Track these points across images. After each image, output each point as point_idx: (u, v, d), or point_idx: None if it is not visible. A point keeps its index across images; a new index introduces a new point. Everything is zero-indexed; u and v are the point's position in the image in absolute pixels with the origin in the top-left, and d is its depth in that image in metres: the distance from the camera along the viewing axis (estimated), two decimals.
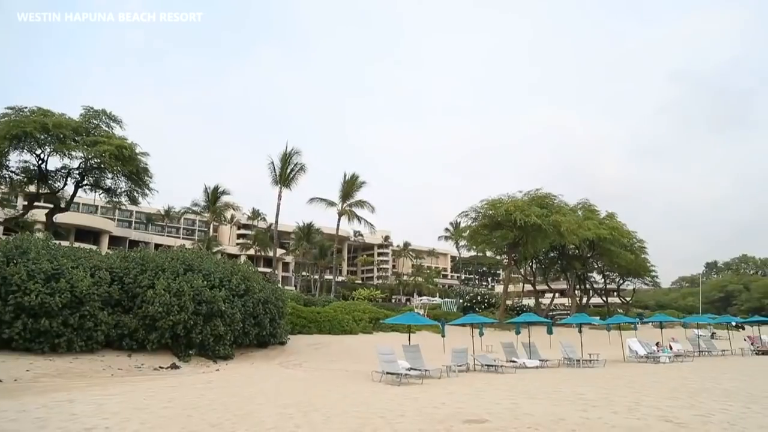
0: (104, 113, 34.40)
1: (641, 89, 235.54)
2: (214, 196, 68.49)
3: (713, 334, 41.58)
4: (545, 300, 66.79)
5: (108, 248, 56.47)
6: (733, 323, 43.43)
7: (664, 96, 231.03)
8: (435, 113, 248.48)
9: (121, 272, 19.17)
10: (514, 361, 20.27)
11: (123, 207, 53.29)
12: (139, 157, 34.65)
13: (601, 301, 68.10)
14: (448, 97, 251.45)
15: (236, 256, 74.31)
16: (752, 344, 29.70)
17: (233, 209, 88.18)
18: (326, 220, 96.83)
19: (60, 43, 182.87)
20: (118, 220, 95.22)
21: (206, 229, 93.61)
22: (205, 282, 19.54)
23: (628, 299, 72.03)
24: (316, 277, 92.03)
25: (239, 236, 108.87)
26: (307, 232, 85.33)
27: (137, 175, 35.37)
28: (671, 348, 25.79)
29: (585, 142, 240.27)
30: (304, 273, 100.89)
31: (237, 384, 14.54)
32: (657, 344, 25.69)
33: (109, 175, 35.47)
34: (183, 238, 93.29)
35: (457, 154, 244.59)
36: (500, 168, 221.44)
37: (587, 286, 66.17)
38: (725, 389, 13.44)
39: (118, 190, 37.11)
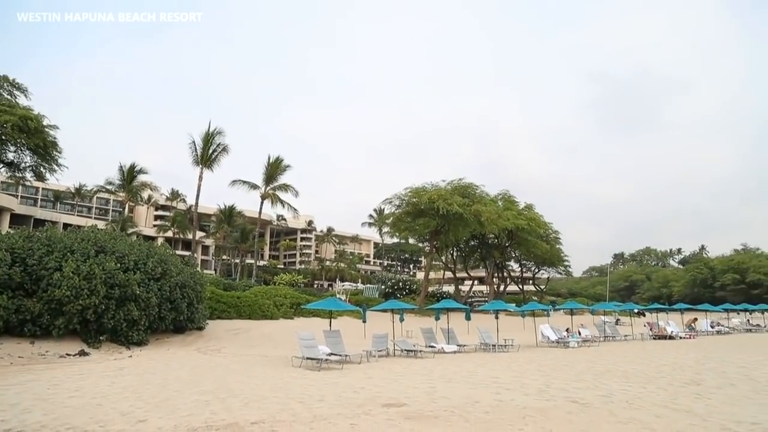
0: (6, 80, 31.85)
1: (565, 88, 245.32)
2: (130, 175, 65.22)
3: (617, 320, 44.29)
4: (465, 287, 68.79)
5: (9, 227, 52.62)
6: (635, 310, 46.46)
7: (586, 95, 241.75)
8: (365, 100, 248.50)
9: (24, 253, 17.90)
10: (432, 347, 20.71)
11: (27, 183, 49.78)
12: (47, 130, 32.45)
13: (518, 289, 70.90)
14: (379, 85, 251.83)
15: (153, 239, 71.28)
16: (650, 330, 31.87)
17: (151, 189, 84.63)
18: (249, 204, 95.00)
19: None
20: (21, 197, 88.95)
21: (121, 210, 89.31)
22: (119, 265, 18.64)
23: (542, 287, 75.43)
24: (237, 261, 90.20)
25: (157, 218, 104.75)
26: (229, 214, 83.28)
27: (44, 149, 33.12)
28: (580, 333, 27.16)
29: (510, 136, 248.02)
30: (224, 257, 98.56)
31: (151, 371, 14.02)
32: (567, 330, 27.05)
33: (12, 148, 33.00)
34: (95, 218, 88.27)
35: (384, 142, 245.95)
36: (426, 157, 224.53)
37: (505, 274, 68.68)
38: (625, 371, 14.38)
39: (22, 165, 34.67)
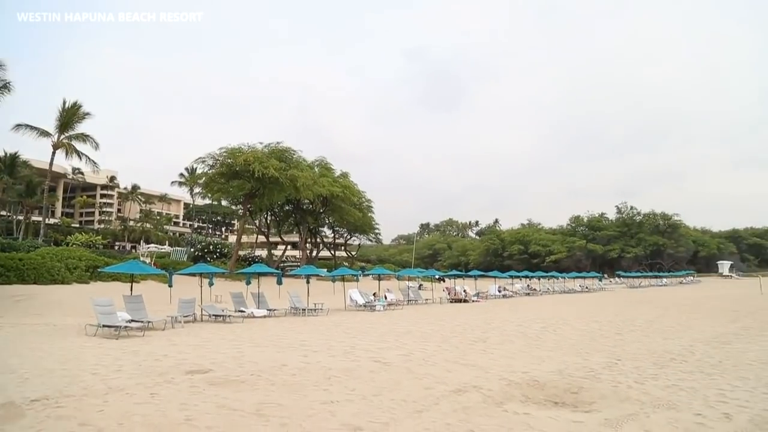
0: None
1: (386, 62, 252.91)
2: None
3: (420, 285, 47.77)
4: (278, 252, 68.62)
5: None
6: (436, 276, 50.52)
7: (403, 71, 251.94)
8: (183, 50, 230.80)
9: None
10: (242, 311, 20.43)
11: None
12: None
13: (330, 255, 72.67)
14: (197, 36, 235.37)
15: None
16: (448, 294, 34.98)
17: None
18: (38, 153, 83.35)
19: None
20: None
21: None
22: None
23: (353, 253, 78.27)
24: (21, 218, 79.05)
25: None
26: (11, 164, 72.21)
27: None
28: (386, 298, 28.78)
29: (330, 105, 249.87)
30: (3, 212, 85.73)
31: None
32: (374, 294, 28.49)
33: None
34: None
35: (200, 98, 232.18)
36: (245, 118, 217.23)
37: (318, 239, 69.84)
38: (424, 332, 15.64)
39: None
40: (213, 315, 19.04)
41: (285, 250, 66.86)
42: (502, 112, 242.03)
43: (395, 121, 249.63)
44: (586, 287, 54.38)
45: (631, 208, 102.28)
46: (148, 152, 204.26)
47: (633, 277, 70.81)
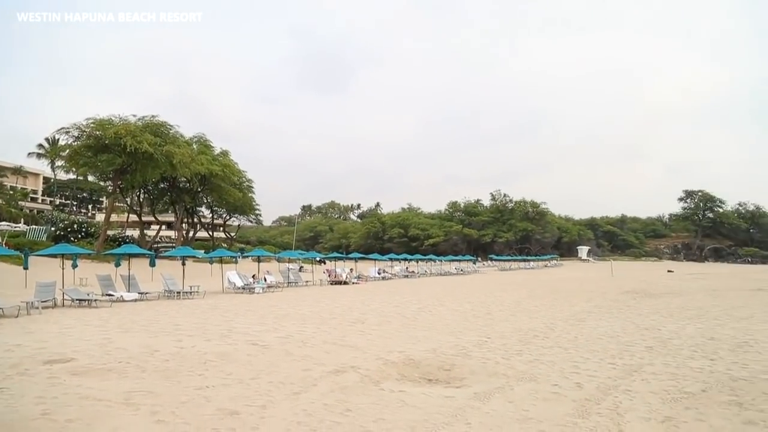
0: None
1: (268, 37, 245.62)
2: None
3: (301, 267, 47.63)
4: (151, 232, 64.92)
5: None
6: (317, 258, 50.55)
7: (287, 49, 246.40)
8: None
9: None
10: (110, 295, 19.17)
11: None
12: None
13: (208, 235, 70.08)
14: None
15: None
16: (329, 276, 35.18)
17: None
18: None
19: None
20: None
21: None
22: None
23: (232, 234, 76.03)
24: None
25: None
26: None
27: None
28: (265, 280, 28.38)
29: (211, 80, 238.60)
30: None
31: None
32: (253, 276, 27.97)
33: None
34: None
35: (64, 60, 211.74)
36: (114, 87, 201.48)
37: (195, 220, 66.95)
38: (303, 314, 15.65)
39: None
40: (77, 299, 17.66)
41: (159, 230, 63.17)
42: (386, 97, 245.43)
43: (279, 100, 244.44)
44: (462, 270, 57.18)
45: (504, 195, 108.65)
46: None
47: (504, 260, 75.53)
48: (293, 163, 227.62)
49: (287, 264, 40.50)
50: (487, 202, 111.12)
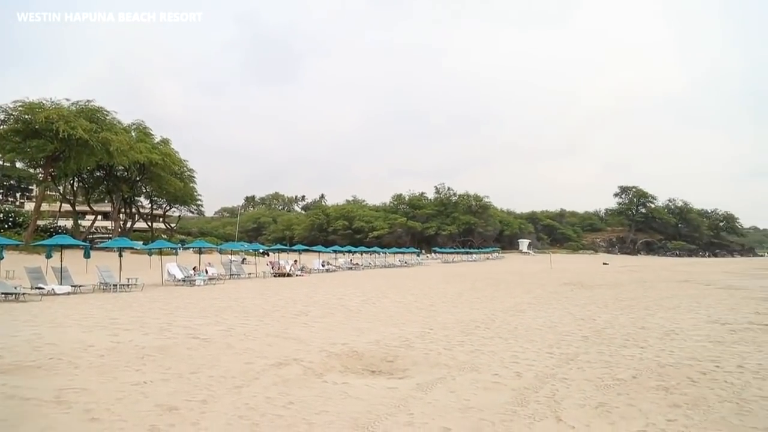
0: None
1: (212, 22, 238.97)
2: None
3: (244, 259, 46.86)
4: (86, 222, 62.28)
5: None
6: (261, 250, 49.87)
7: (232, 35, 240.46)
8: None
9: None
10: (41, 288, 18.29)
11: None
12: None
13: (147, 226, 67.88)
14: None
15: None
16: (272, 268, 34.78)
17: None
18: None
19: None
20: None
21: None
22: None
23: (173, 225, 73.94)
24: None
25: None
26: None
27: None
28: (207, 272, 27.79)
29: (152, 66, 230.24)
30: None
31: None
32: (194, 268, 27.32)
33: None
34: None
35: None
36: (46, 70, 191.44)
37: (133, 210, 64.69)
38: (245, 307, 15.43)
39: None
40: (2, 293, 16.76)
41: (95, 220, 60.63)
42: (333, 88, 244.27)
43: (223, 88, 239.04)
44: (405, 262, 57.70)
45: (448, 189, 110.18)
46: None
47: (447, 253, 76.74)
48: (237, 153, 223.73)
49: (230, 256, 39.86)
50: (431, 195, 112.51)
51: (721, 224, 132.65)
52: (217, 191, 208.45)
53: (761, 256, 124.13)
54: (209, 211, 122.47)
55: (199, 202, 70.76)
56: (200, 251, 34.15)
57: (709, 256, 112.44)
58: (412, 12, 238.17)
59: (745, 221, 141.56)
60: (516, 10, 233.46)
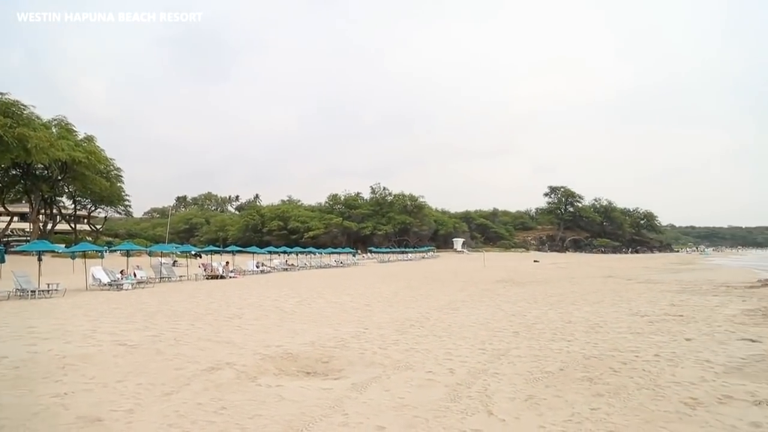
0: None
1: (141, 14, 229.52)
2: None
3: (175, 261, 45.32)
4: (0, 224, 58.49)
5: None
6: (193, 252, 48.41)
7: (163, 29, 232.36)
8: None
9: None
10: None
11: None
12: None
13: (69, 228, 64.47)
14: None
15: None
16: (205, 270, 33.84)
17: None
18: None
19: None
20: None
21: None
22: None
23: (98, 227, 70.55)
24: None
25: None
26: None
27: None
28: (135, 275, 26.70)
29: (76, 60, 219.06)
30: None
31: None
32: (122, 272, 26.17)
33: None
34: None
35: None
36: None
37: (54, 211, 61.24)
38: (176, 310, 14.92)
39: None
40: None
41: (10, 222, 56.88)
42: (268, 86, 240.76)
43: (151, 84, 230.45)
44: (341, 262, 57.51)
45: (384, 188, 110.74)
46: None
47: (383, 252, 77.14)
48: (168, 152, 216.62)
49: (160, 258, 38.44)
50: (367, 195, 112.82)
51: (642, 222, 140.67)
52: (147, 191, 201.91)
53: (677, 251, 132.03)
54: (138, 211, 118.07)
55: (126, 203, 67.89)
56: (128, 254, 32.75)
57: (631, 252, 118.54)
58: (348, 11, 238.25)
59: (663, 219, 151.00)
60: (450, 12, 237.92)
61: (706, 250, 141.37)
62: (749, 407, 5.85)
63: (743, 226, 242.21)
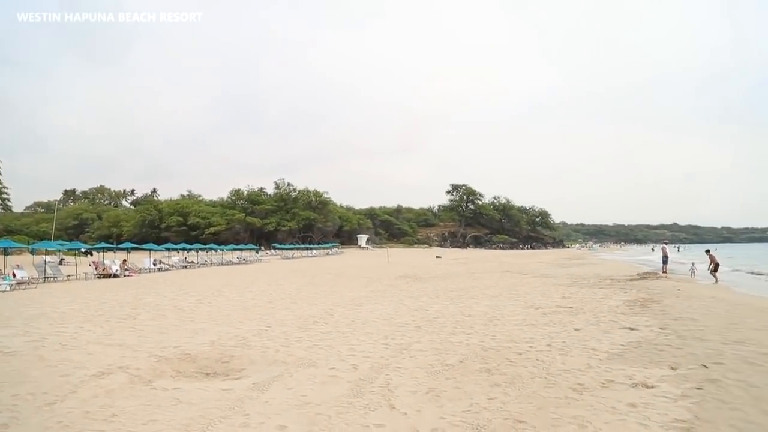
0: None
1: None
2: None
3: (62, 260, 42.24)
4: None
5: None
6: (82, 249, 45.31)
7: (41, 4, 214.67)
8: None
9: None
10: None
11: None
12: None
13: None
14: None
15: None
16: (96, 269, 31.77)
17: None
18: None
19: None
20: None
21: None
22: None
23: None
24: None
25: None
26: None
27: None
28: (14, 275, 24.60)
29: None
30: None
31: None
32: None
33: None
34: None
35: None
36: None
37: None
38: (62, 313, 13.88)
39: None
40: None
41: None
42: (164, 74, 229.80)
43: (35, 68, 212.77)
44: (244, 259, 56.18)
45: (288, 184, 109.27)
46: None
47: (287, 249, 76.16)
48: (54, 142, 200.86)
49: (44, 256, 35.71)
50: (271, 190, 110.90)
51: (537, 219, 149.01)
52: (30, 184, 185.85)
53: (569, 247, 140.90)
54: (19, 206, 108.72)
55: (5, 196, 62.57)
56: (5, 252, 30.07)
57: (527, 248, 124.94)
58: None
59: (556, 217, 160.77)
60: (361, 13, 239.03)
61: (594, 246, 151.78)
62: (627, 389, 6.35)
63: (626, 224, 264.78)
